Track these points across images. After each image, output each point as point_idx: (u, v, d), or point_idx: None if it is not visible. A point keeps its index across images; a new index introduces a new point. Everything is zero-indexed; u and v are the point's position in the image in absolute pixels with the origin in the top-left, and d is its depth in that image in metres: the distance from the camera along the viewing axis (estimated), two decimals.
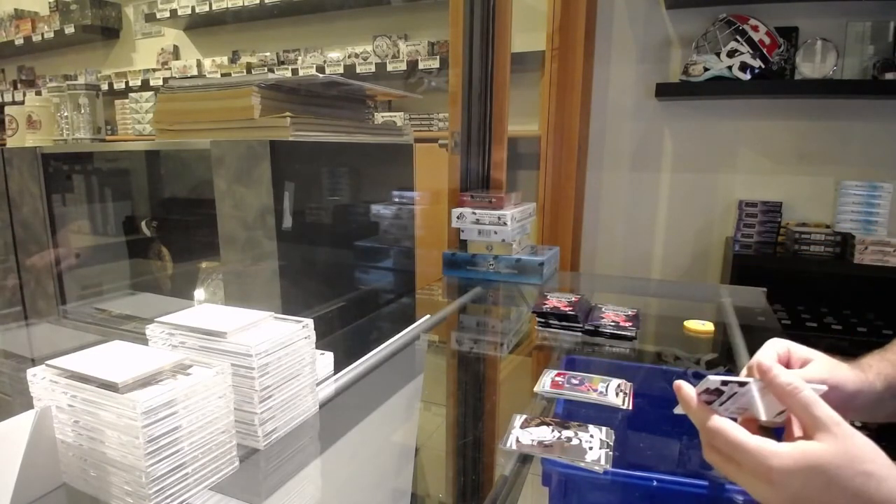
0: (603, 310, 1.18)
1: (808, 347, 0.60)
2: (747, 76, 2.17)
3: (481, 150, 1.82)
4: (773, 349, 0.58)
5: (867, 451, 0.43)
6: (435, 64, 2.87)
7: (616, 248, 2.74)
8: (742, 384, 0.49)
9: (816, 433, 0.44)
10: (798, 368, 0.57)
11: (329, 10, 3.23)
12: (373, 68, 3.00)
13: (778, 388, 0.47)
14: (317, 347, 0.72)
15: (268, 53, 3.40)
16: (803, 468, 0.43)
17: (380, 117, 2.97)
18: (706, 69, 2.23)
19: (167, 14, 3.45)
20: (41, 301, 1.35)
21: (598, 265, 2.77)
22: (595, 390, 0.80)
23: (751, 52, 2.15)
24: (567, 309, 1.13)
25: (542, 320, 1.14)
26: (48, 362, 0.56)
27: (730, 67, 2.18)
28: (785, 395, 0.47)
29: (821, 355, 0.59)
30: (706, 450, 0.50)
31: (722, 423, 0.47)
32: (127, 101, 3.59)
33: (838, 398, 0.56)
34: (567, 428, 0.68)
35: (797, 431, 0.48)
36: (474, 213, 1.51)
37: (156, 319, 0.67)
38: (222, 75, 3.36)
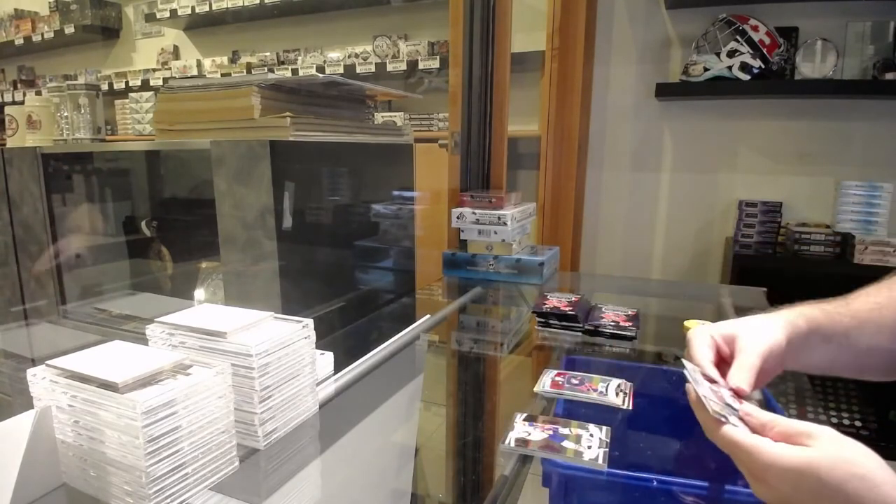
0: (603, 310, 1.18)
1: (725, 323, 0.61)
2: (747, 76, 2.17)
3: (481, 150, 1.82)
4: (704, 346, 0.59)
5: (858, 454, 0.43)
6: (435, 64, 2.87)
7: (616, 248, 2.74)
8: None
9: (805, 442, 0.44)
10: (730, 352, 0.58)
11: (329, 10, 3.23)
12: (373, 68, 3.00)
13: (758, 427, 0.48)
14: (317, 347, 0.72)
15: (268, 53, 3.40)
16: (794, 470, 0.43)
17: (380, 117, 2.97)
18: (706, 69, 2.23)
19: (167, 14, 3.45)
20: (41, 301, 1.35)
21: (598, 265, 2.77)
22: (595, 390, 0.79)
23: (751, 52, 2.15)
24: (567, 309, 1.13)
25: (542, 320, 1.14)
26: (48, 362, 0.56)
27: (730, 67, 2.18)
28: (768, 430, 0.48)
29: (741, 327, 0.59)
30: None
31: (724, 431, 0.48)
32: (127, 101, 3.59)
33: (778, 356, 0.57)
34: (567, 428, 0.68)
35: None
36: (474, 213, 1.51)
37: (156, 319, 0.67)
38: (222, 75, 3.36)
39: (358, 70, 3.03)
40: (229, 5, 3.22)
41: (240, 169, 0.94)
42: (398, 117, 2.98)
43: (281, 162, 0.93)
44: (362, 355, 0.93)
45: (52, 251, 1.30)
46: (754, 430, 0.48)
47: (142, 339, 0.66)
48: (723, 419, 0.48)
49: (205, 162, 0.97)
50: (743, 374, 0.54)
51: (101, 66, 4.10)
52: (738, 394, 0.53)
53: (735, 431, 0.47)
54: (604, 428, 0.68)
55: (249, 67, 3.41)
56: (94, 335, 1.25)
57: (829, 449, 0.43)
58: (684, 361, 0.57)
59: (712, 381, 0.55)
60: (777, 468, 0.43)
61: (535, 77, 2.68)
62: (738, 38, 2.17)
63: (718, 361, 0.59)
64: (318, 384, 0.74)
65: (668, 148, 2.56)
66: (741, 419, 0.49)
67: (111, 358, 0.57)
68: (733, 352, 0.58)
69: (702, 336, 0.60)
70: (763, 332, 0.58)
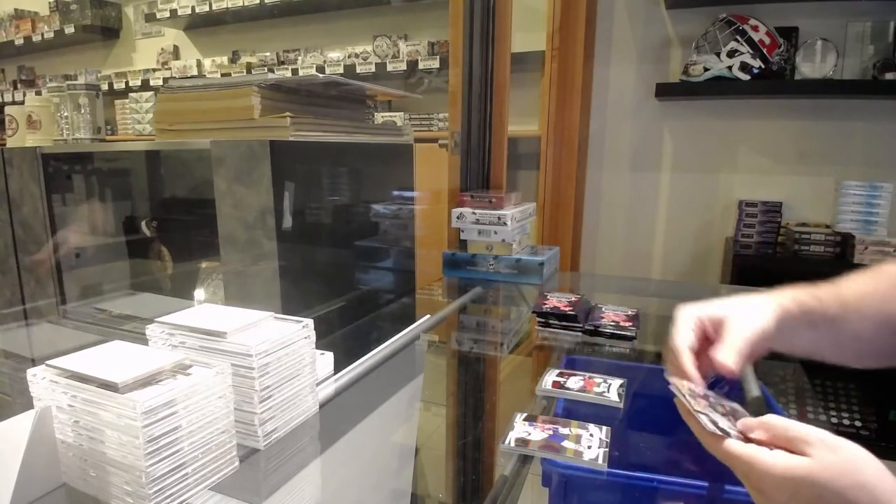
0: (603, 310, 1.18)
1: (715, 304, 0.61)
2: (747, 76, 2.17)
3: (481, 150, 1.82)
4: (687, 328, 0.59)
5: (856, 460, 0.42)
6: (435, 64, 2.87)
7: (616, 248, 2.74)
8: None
9: (801, 449, 0.44)
10: (717, 334, 0.58)
11: (329, 10, 3.23)
12: (373, 68, 3.00)
13: (750, 429, 0.48)
14: (317, 347, 0.72)
15: (268, 53, 3.40)
16: (790, 481, 0.42)
17: (380, 117, 2.97)
18: (706, 69, 2.23)
19: (167, 14, 3.45)
20: (41, 301, 1.35)
21: (598, 265, 2.77)
22: (595, 390, 0.80)
23: (751, 52, 2.15)
24: (567, 309, 1.13)
25: (542, 320, 1.14)
26: (48, 362, 0.56)
27: (730, 67, 2.18)
28: (763, 431, 0.47)
29: (731, 309, 0.59)
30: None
31: (722, 444, 0.48)
32: (127, 101, 3.59)
33: (766, 340, 0.58)
34: (567, 427, 0.68)
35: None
36: (474, 213, 1.51)
37: (156, 319, 0.67)
38: (222, 75, 3.36)
39: (358, 70, 3.03)
40: (229, 5, 3.22)
41: (240, 169, 0.94)
42: (398, 117, 2.98)
43: (281, 162, 0.93)
44: (362, 355, 0.93)
45: (52, 246, 1.30)
46: (748, 433, 0.48)
47: (142, 339, 0.66)
48: (718, 432, 0.48)
49: (205, 162, 0.97)
50: (729, 353, 0.55)
51: (101, 66, 4.10)
52: (720, 371, 0.54)
53: (731, 443, 0.46)
54: (604, 428, 0.68)
55: (249, 67, 3.41)
56: (94, 335, 1.25)
57: (824, 458, 0.42)
58: (670, 379, 0.55)
59: (701, 395, 0.53)
60: (773, 478, 0.43)
61: (535, 77, 2.68)
62: (738, 38, 2.17)
63: (703, 343, 0.59)
64: (318, 384, 0.74)
65: (668, 148, 2.56)
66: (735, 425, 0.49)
67: (111, 358, 0.57)
68: (721, 334, 0.58)
69: (687, 318, 0.60)
70: (753, 316, 0.58)
